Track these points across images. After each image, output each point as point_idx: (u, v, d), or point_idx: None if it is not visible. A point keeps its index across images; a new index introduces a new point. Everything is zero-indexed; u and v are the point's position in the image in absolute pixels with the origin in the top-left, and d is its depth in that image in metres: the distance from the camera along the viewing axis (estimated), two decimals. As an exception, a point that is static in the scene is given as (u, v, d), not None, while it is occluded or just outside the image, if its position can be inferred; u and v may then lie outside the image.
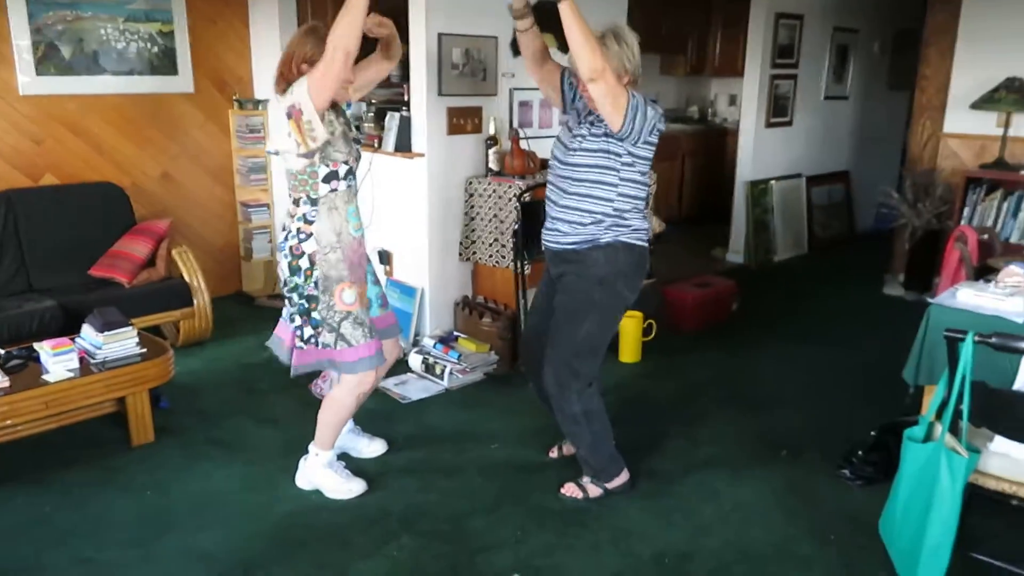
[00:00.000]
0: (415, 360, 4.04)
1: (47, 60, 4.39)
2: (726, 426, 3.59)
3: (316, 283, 2.75)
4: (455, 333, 4.23)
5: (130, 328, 3.33)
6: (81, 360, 3.22)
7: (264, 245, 5.32)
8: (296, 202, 2.77)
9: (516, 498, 2.98)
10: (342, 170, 2.74)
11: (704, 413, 3.72)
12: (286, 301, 2.87)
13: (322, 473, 2.98)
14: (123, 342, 3.29)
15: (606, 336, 2.88)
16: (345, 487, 2.96)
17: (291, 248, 2.76)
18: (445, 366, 3.91)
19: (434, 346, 4.06)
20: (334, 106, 2.73)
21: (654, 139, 2.70)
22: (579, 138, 2.73)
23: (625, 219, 2.74)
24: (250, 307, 5.17)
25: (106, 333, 3.25)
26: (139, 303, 4.09)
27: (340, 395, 2.93)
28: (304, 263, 2.74)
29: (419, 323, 4.33)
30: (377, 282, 3.05)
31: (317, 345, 2.81)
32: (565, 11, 2.44)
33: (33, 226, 4.22)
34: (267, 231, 5.31)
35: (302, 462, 3.04)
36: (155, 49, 4.79)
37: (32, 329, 3.75)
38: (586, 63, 2.45)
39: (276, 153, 2.77)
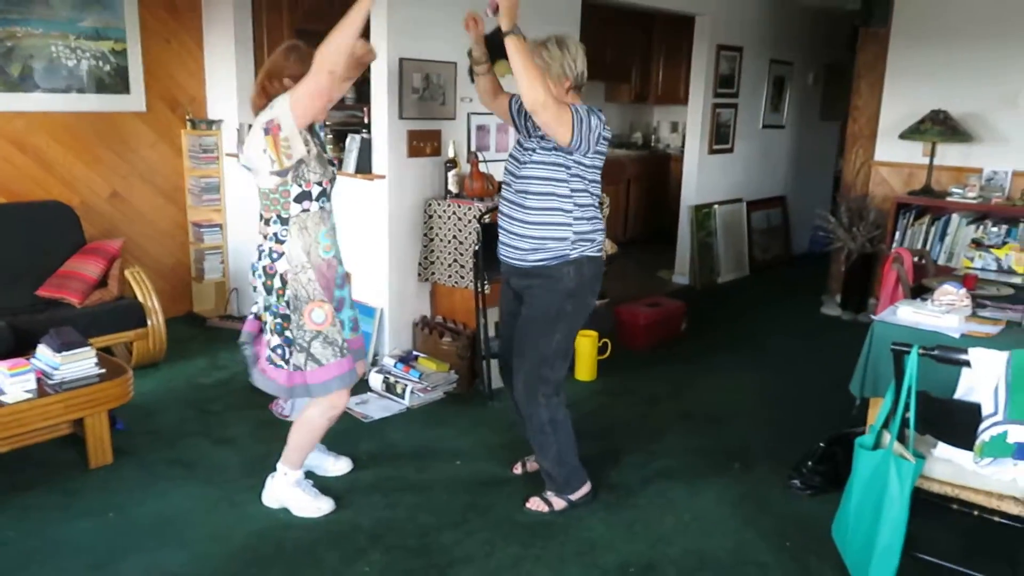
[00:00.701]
0: (375, 379, 4.06)
1: (-5, 76, 4.32)
2: (680, 440, 3.72)
3: (288, 302, 2.77)
4: (414, 352, 4.27)
5: (88, 348, 3.28)
6: (37, 381, 3.16)
7: (216, 266, 5.27)
8: (267, 221, 2.78)
9: (482, 513, 3.03)
10: (315, 191, 2.76)
11: (659, 428, 3.84)
12: (267, 318, 2.86)
13: (290, 492, 2.98)
14: (81, 363, 3.24)
15: (572, 342, 3.01)
16: (314, 505, 2.97)
17: (264, 268, 2.78)
18: (406, 385, 3.95)
19: (394, 365, 4.10)
20: (309, 127, 2.77)
21: (602, 147, 2.80)
22: (529, 151, 2.85)
23: (586, 231, 2.84)
24: (202, 328, 5.11)
25: (64, 353, 3.19)
26: (91, 324, 4.01)
27: (312, 415, 2.94)
28: (277, 282, 2.76)
29: (378, 343, 4.35)
30: (353, 306, 3.06)
31: (290, 366, 2.82)
32: (510, 45, 2.62)
33: (-22, 245, 4.12)
34: (219, 251, 5.27)
35: (269, 480, 3.04)
36: (107, 67, 4.74)
37: (-20, 350, 3.65)
38: (529, 95, 2.61)
39: (248, 169, 2.77)
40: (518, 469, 3.35)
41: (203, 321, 5.21)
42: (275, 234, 2.76)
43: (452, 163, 4.27)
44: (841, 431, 3.33)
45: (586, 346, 4.36)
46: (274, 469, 3.04)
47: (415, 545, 2.81)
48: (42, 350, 3.27)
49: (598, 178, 2.87)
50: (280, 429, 3.23)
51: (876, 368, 2.84)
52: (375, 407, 3.92)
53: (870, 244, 5.68)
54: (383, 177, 4.15)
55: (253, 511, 2.99)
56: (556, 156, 2.77)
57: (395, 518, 2.98)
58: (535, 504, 3.07)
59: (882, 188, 5.85)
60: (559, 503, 3.06)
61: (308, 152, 2.70)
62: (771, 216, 7.60)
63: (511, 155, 2.96)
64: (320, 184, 2.77)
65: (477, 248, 3.98)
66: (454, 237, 4.15)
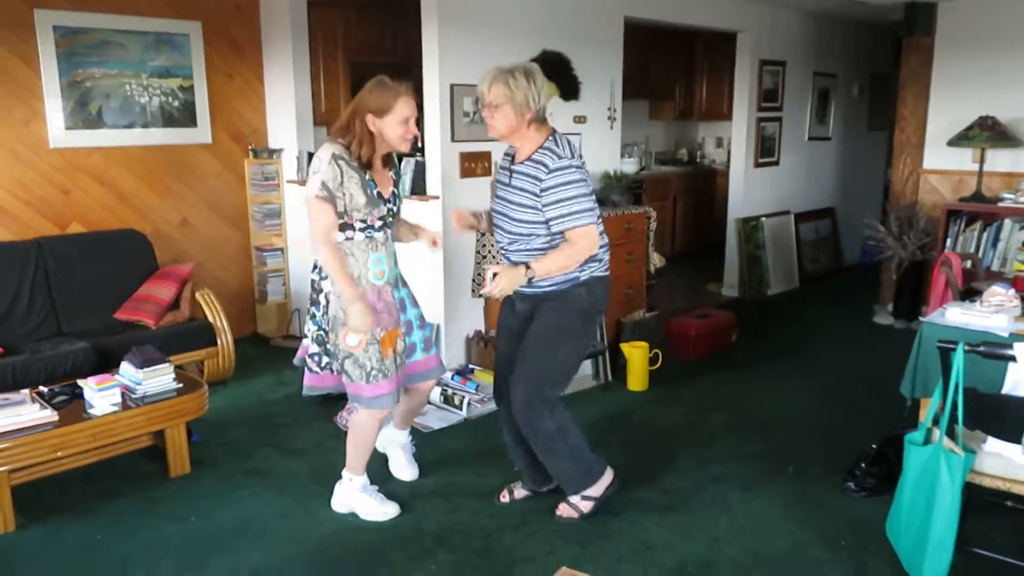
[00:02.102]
0: (434, 392, 4.21)
1: (76, 115, 4.62)
2: (733, 446, 3.78)
3: (329, 320, 2.95)
4: (470, 366, 4.42)
5: (168, 364, 3.50)
6: (122, 395, 3.38)
7: (278, 288, 5.51)
8: None
9: (541, 516, 3.13)
10: (358, 224, 2.91)
11: (712, 435, 3.92)
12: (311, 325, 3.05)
13: (357, 497, 3.14)
14: (161, 378, 3.45)
15: (577, 364, 2.98)
16: (381, 510, 3.12)
17: (313, 282, 2.99)
18: (464, 396, 4.09)
19: (451, 378, 4.25)
20: (379, 161, 2.95)
21: (585, 169, 2.82)
22: (514, 202, 2.82)
23: (596, 254, 2.85)
24: (266, 348, 5.34)
25: (146, 369, 3.41)
26: (166, 344, 4.22)
27: (361, 419, 3.09)
28: (322, 299, 2.96)
29: (435, 357, 4.51)
30: (423, 327, 3.19)
31: (333, 371, 3.02)
32: (539, 273, 2.74)
33: (61, 272, 4.39)
34: (281, 274, 5.50)
35: (337, 487, 3.20)
36: (176, 103, 5.03)
37: (67, 369, 3.90)
38: (581, 259, 2.78)
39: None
40: (505, 497, 3.26)
41: (267, 341, 5.44)
42: None
43: (503, 183, 4.43)
44: (893, 433, 3.36)
45: (637, 357, 4.46)
46: (340, 477, 3.20)
47: (479, 546, 2.93)
48: (125, 367, 3.49)
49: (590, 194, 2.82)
50: (344, 440, 3.39)
51: (926, 369, 2.90)
52: (434, 418, 4.07)
53: (921, 252, 5.68)
54: (437, 198, 4.33)
55: (325, 516, 3.15)
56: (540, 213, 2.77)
57: (458, 521, 3.11)
58: (564, 511, 3.07)
59: (931, 196, 5.85)
60: (585, 505, 3.05)
61: (351, 200, 2.86)
62: (820, 227, 7.60)
63: (496, 196, 2.95)
64: (364, 220, 2.90)
65: (529, 263, 4.11)
66: (506, 253, 4.29)
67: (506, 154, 3.01)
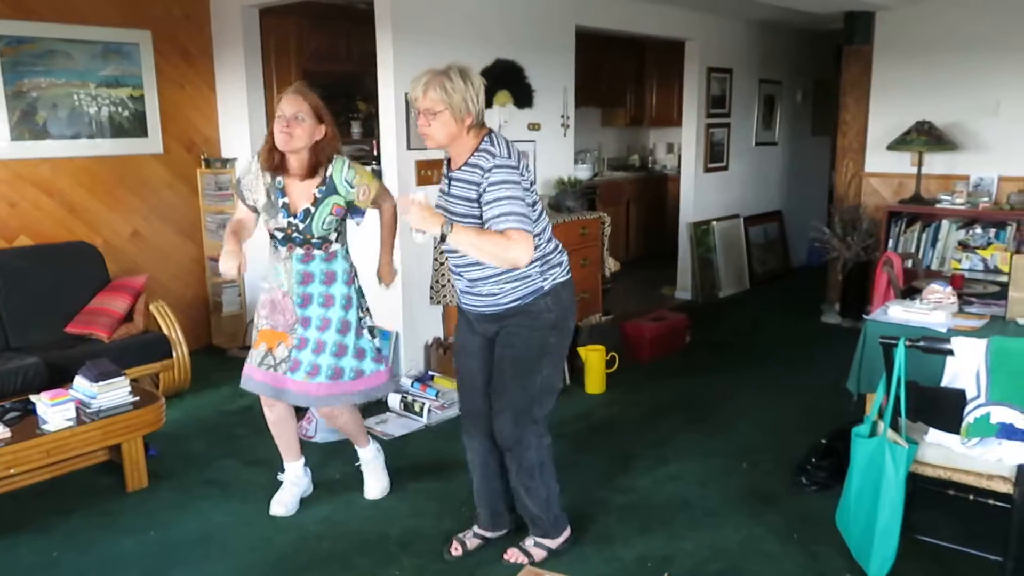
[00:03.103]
0: (394, 399, 4.23)
1: (21, 125, 4.54)
2: (690, 444, 3.88)
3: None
4: (430, 372, 4.44)
5: (123, 378, 3.45)
6: (76, 410, 3.33)
7: (233, 299, 5.46)
8: None
9: (504, 519, 3.18)
10: (268, 231, 3.02)
11: (669, 434, 4.00)
12: None
13: (281, 489, 3.30)
14: (116, 391, 3.41)
15: (559, 378, 2.80)
16: (278, 501, 3.25)
17: None
18: (424, 403, 4.12)
19: (411, 385, 4.27)
20: (303, 171, 2.94)
21: (528, 173, 2.60)
22: (456, 204, 2.58)
23: (551, 257, 2.66)
24: (222, 359, 5.29)
25: (100, 383, 3.37)
26: (120, 357, 4.13)
27: None
28: None
29: (395, 364, 4.52)
30: (319, 351, 3.00)
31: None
32: (453, 243, 2.46)
33: (9, 286, 4.29)
34: (236, 285, 5.45)
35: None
36: (126, 113, 4.97)
37: (16, 385, 3.81)
38: (508, 263, 2.46)
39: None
40: (457, 550, 2.92)
41: (222, 352, 5.39)
42: None
43: (459, 190, 4.47)
44: (841, 427, 3.49)
45: (595, 360, 4.53)
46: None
47: (443, 550, 2.96)
48: (79, 381, 3.44)
49: (537, 199, 2.62)
50: (304, 448, 3.42)
51: (871, 365, 3.00)
52: (395, 425, 4.09)
53: (864, 253, 5.87)
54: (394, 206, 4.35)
55: (287, 524, 3.15)
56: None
57: (421, 526, 3.13)
58: (514, 556, 2.87)
59: (873, 198, 6.06)
60: (539, 553, 2.87)
61: (256, 201, 3.00)
62: (768, 230, 7.80)
63: (438, 205, 2.68)
64: (267, 227, 3.00)
65: (487, 269, 4.15)
66: (464, 260, 4.33)
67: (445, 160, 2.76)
